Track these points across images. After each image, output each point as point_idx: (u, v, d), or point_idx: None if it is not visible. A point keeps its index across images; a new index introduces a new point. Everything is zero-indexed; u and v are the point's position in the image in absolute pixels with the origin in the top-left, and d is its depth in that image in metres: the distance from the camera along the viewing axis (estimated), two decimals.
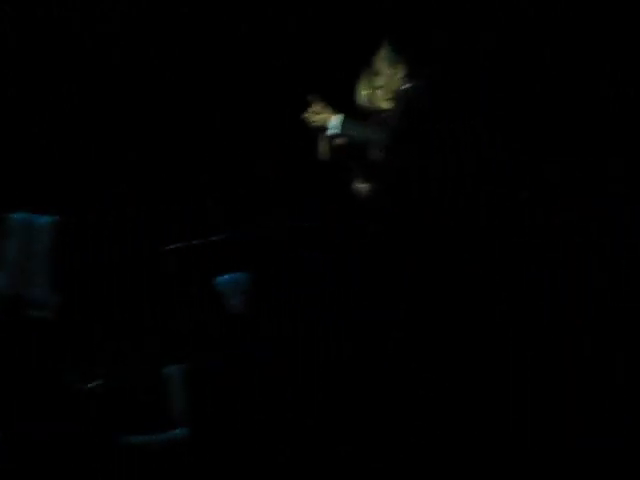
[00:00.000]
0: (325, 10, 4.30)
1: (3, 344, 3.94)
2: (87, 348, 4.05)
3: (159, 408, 3.58)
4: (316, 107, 2.62)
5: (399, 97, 2.62)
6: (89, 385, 3.78)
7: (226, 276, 4.02)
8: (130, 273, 4.42)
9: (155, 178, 4.88)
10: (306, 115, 2.63)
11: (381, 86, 2.67)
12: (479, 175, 4.83)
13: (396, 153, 2.57)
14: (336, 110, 2.58)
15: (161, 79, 4.81)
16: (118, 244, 4.55)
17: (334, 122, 2.59)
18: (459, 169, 3.90)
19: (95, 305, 4.30)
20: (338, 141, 2.61)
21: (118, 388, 3.69)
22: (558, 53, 4.09)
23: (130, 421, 3.47)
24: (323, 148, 2.65)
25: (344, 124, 2.60)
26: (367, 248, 2.78)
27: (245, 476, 3.11)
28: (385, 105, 2.69)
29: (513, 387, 3.41)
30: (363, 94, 2.72)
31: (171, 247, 4.51)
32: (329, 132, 2.62)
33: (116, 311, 4.23)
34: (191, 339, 3.94)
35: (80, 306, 4.28)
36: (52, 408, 3.39)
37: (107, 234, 4.61)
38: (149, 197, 4.85)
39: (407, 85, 2.63)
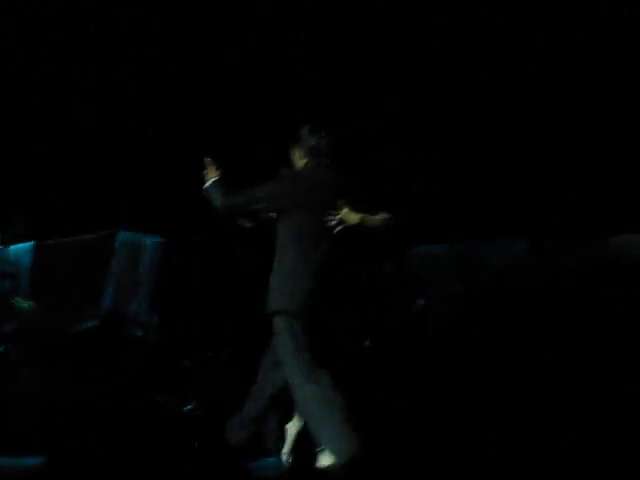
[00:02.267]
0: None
1: (103, 360, 4.01)
2: (185, 370, 4.05)
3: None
4: (208, 168, 3.18)
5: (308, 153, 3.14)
6: (185, 407, 3.74)
7: None
8: (228, 300, 4.45)
9: None
10: (203, 172, 3.21)
11: (300, 147, 3.23)
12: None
13: None
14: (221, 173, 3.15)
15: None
16: (221, 269, 4.59)
17: (208, 183, 3.17)
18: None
19: (194, 328, 4.32)
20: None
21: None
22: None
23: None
24: None
25: (207, 186, 3.17)
26: None
27: None
28: (301, 163, 3.25)
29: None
30: (292, 155, 3.26)
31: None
32: (203, 188, 3.22)
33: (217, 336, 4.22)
34: None
35: (180, 328, 4.34)
36: (148, 427, 3.35)
37: (210, 259, 4.67)
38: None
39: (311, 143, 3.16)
